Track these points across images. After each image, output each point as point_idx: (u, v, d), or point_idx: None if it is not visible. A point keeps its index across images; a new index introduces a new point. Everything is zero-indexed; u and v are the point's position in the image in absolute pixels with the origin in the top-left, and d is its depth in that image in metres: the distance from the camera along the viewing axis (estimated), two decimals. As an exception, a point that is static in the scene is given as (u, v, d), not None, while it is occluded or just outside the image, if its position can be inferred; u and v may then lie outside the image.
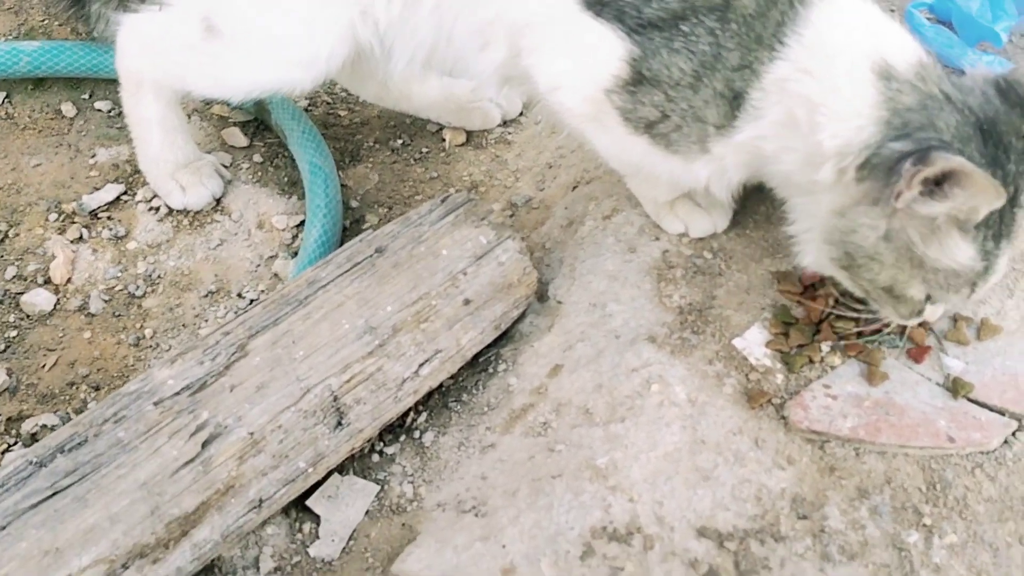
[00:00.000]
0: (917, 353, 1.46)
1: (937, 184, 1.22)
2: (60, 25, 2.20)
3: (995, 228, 1.29)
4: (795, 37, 1.32)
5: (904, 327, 1.45)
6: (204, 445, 1.29)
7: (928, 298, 1.35)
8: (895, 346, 1.47)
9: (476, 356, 1.56)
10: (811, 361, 1.47)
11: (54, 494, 1.21)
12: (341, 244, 1.75)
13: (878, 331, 1.46)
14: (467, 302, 1.52)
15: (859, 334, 1.48)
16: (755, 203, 1.59)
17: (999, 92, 1.30)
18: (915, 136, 1.26)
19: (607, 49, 1.37)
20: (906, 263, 1.31)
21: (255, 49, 1.63)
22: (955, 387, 1.42)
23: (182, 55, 1.67)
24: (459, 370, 1.54)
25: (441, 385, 1.54)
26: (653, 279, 1.58)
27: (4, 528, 1.17)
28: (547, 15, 1.40)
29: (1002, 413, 1.41)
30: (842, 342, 1.47)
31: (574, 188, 1.83)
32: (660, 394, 1.43)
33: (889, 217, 1.28)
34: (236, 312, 1.70)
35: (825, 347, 1.47)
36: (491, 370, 1.57)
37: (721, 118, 1.36)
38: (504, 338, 1.60)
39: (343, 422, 1.40)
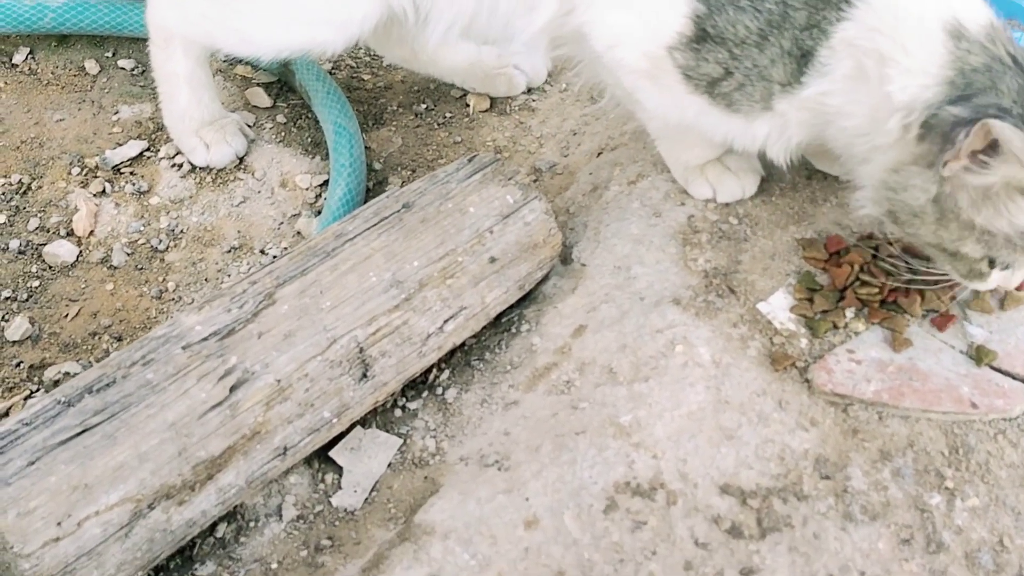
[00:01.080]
0: (941, 321, 1.46)
1: (991, 149, 1.22)
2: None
3: None
4: None
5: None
6: (232, 389, 1.29)
7: (991, 261, 1.33)
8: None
9: (499, 316, 1.57)
10: (835, 327, 1.47)
11: (83, 431, 1.21)
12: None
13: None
14: (493, 260, 1.52)
15: (882, 302, 1.48)
16: (781, 171, 1.59)
17: None
18: (975, 100, 1.26)
19: (671, 5, 1.37)
20: (953, 224, 1.30)
21: (288, 7, 1.62)
22: (978, 355, 1.42)
23: (214, 11, 1.67)
24: (482, 329, 1.55)
25: (464, 343, 1.54)
26: (678, 243, 1.58)
27: (33, 463, 1.17)
28: None
29: (1025, 382, 1.41)
30: (865, 308, 1.47)
31: (599, 155, 1.83)
32: (684, 355, 1.44)
33: (940, 181, 1.28)
34: (260, 266, 1.70)
35: (849, 313, 1.47)
36: (514, 330, 1.57)
37: (788, 76, 1.37)
38: (527, 299, 1.60)
39: (368, 374, 1.40)
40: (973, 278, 1.37)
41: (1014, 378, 1.41)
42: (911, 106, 1.31)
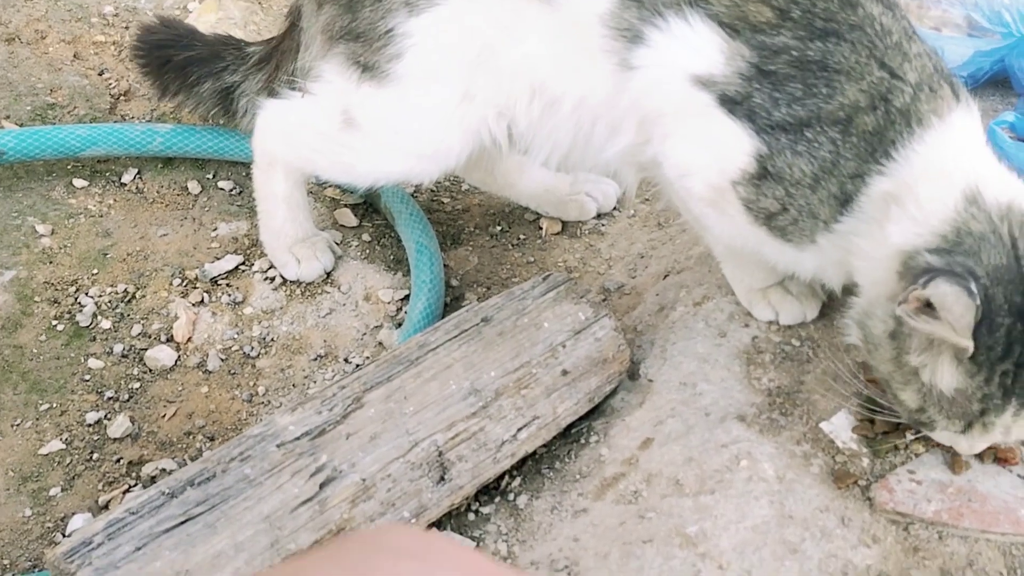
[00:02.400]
0: (1003, 459, 1.50)
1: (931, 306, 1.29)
2: (189, 112, 2.38)
3: (1006, 381, 1.31)
4: (907, 153, 1.41)
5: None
6: (322, 486, 1.38)
7: (924, 412, 1.38)
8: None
9: (569, 427, 1.64)
10: (896, 448, 1.52)
11: (186, 520, 1.30)
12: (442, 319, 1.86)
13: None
14: (564, 373, 1.61)
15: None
16: (843, 296, 1.67)
17: None
18: (951, 257, 1.32)
19: (737, 144, 1.47)
20: (904, 366, 1.37)
21: (390, 143, 1.73)
22: (1038, 478, 1.46)
23: (318, 142, 1.80)
24: (552, 439, 1.62)
25: (535, 452, 1.62)
26: (743, 362, 1.65)
27: (140, 549, 1.26)
28: (683, 108, 1.50)
29: (1084, 506, 1.44)
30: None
31: (665, 277, 1.92)
32: (749, 469, 1.50)
33: (897, 319, 1.35)
34: (343, 374, 1.81)
35: (910, 435, 1.52)
36: (583, 440, 1.64)
37: (830, 215, 1.46)
38: (596, 412, 1.67)
39: (446, 477, 1.48)
40: (920, 426, 1.42)
41: (1073, 502, 1.44)
42: (901, 247, 1.38)
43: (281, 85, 1.90)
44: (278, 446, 1.41)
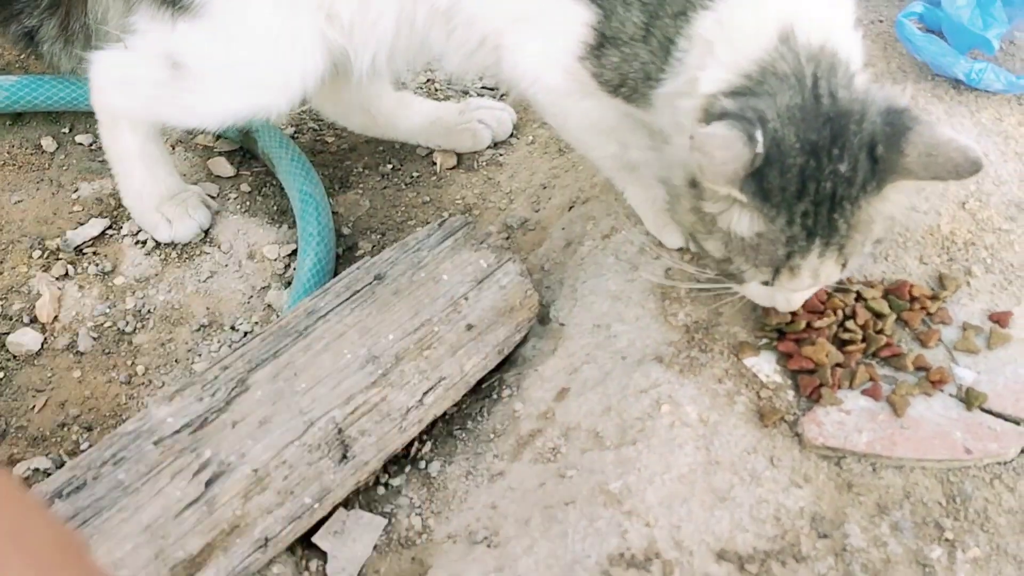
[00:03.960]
0: (935, 379, 1.43)
1: None
2: (37, 59, 2.15)
3: (807, 222, 1.27)
4: None
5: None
6: (208, 484, 1.25)
7: (730, 262, 1.34)
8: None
9: (480, 382, 1.53)
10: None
11: (54, 542, 1.16)
12: (335, 272, 1.72)
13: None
14: (469, 327, 1.49)
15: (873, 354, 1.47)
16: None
17: (886, 111, 1.27)
18: (747, 99, 1.26)
19: (573, 17, 1.41)
20: (703, 215, 1.32)
21: (225, 78, 1.60)
22: (968, 398, 1.40)
23: (152, 90, 1.65)
24: (463, 397, 1.51)
25: (445, 414, 1.50)
26: (657, 298, 1.55)
27: (2, 579, 1.12)
28: (515, 10, 1.46)
29: (1017, 423, 1.39)
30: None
31: (570, 208, 1.80)
32: (671, 415, 1.40)
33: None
34: (230, 345, 1.66)
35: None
36: (495, 396, 1.53)
37: (657, 70, 1.39)
38: (507, 363, 1.56)
39: (348, 455, 1.36)
40: (728, 278, 1.39)
41: (1006, 419, 1.39)
42: (706, 92, 1.32)
43: (81, 33, 1.73)
44: (155, 443, 1.27)
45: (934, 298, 1.52)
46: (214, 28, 1.53)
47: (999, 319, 1.49)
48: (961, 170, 1.25)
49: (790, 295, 1.38)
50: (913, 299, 1.51)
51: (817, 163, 1.24)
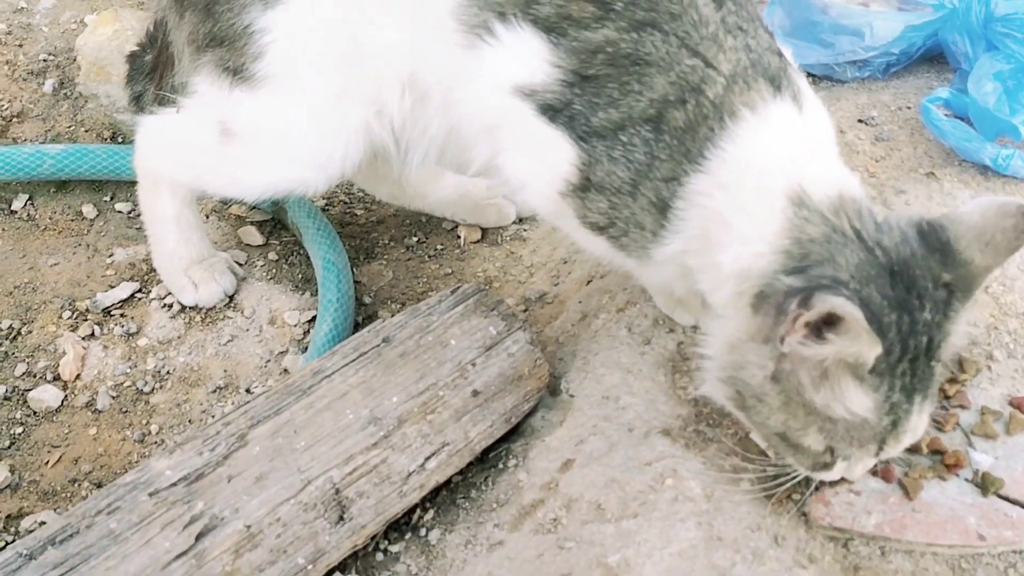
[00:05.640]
0: (951, 463, 1.38)
1: (827, 324, 1.15)
2: (86, 131, 2.24)
3: (905, 380, 1.20)
4: (718, 152, 1.29)
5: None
6: (198, 538, 1.25)
7: (832, 451, 1.25)
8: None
9: (486, 451, 1.52)
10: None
11: (39, 587, 1.16)
12: (351, 340, 1.73)
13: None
14: (476, 393, 1.48)
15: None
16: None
17: (920, 235, 1.23)
18: (810, 271, 1.20)
19: (558, 153, 1.37)
20: (798, 408, 1.23)
21: (270, 151, 1.62)
22: (984, 483, 1.35)
23: (198, 156, 1.68)
24: (468, 465, 1.49)
25: (450, 481, 1.49)
26: (668, 371, 1.53)
27: (-14, 622, 1.13)
28: (509, 119, 1.40)
29: (1035, 509, 1.33)
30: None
31: (588, 283, 1.80)
32: (674, 488, 1.37)
33: (778, 358, 1.21)
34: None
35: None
36: (501, 465, 1.52)
37: (654, 225, 1.35)
38: (515, 433, 1.55)
39: (345, 517, 1.35)
40: (819, 470, 1.29)
41: (1022, 506, 1.33)
42: (743, 276, 1.26)
43: (159, 99, 1.76)
44: (150, 494, 1.27)
45: (953, 381, 1.48)
46: (269, 101, 1.55)
47: (1019, 404, 1.45)
48: (1020, 225, 1.20)
49: (867, 464, 1.30)
50: (931, 382, 1.47)
51: (910, 318, 1.18)
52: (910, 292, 1.19)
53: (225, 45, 1.52)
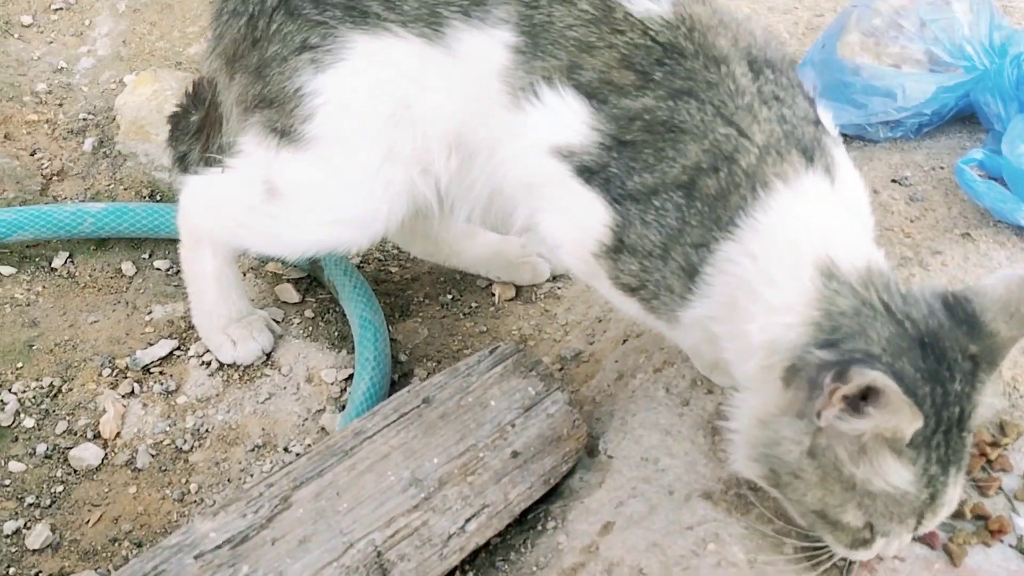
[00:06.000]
0: (995, 529, 1.37)
1: (863, 398, 1.15)
2: (125, 189, 2.28)
3: (940, 452, 1.19)
4: (749, 220, 1.30)
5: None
6: (243, 601, 1.25)
7: (871, 527, 1.24)
8: None
9: (525, 512, 1.52)
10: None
11: (87, 651, 1.17)
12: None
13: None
14: (515, 455, 1.49)
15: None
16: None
17: (946, 307, 1.23)
18: (843, 345, 1.20)
19: (593, 214, 1.39)
20: (836, 484, 1.22)
21: (314, 210, 1.64)
22: (1031, 548, 1.34)
23: (243, 215, 1.70)
24: (507, 527, 1.49)
25: (488, 543, 1.49)
26: (707, 433, 1.53)
27: None
28: (547, 179, 1.42)
29: (1083, 576, 1.32)
30: None
31: (624, 342, 1.81)
32: (717, 554, 1.37)
33: (814, 433, 1.21)
34: (281, 466, 1.68)
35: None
36: (540, 527, 1.51)
37: (682, 290, 1.35)
38: (554, 494, 1.55)
39: (386, 580, 1.35)
40: (857, 547, 1.27)
41: (1071, 573, 1.32)
42: (771, 348, 1.25)
43: (207, 158, 1.79)
44: (195, 557, 1.27)
45: (994, 445, 1.47)
46: (316, 162, 1.57)
47: (1064, 467, 1.44)
48: None
49: (905, 540, 1.28)
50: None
51: (943, 389, 1.18)
52: (941, 364, 1.19)
53: (275, 106, 1.55)
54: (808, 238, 1.29)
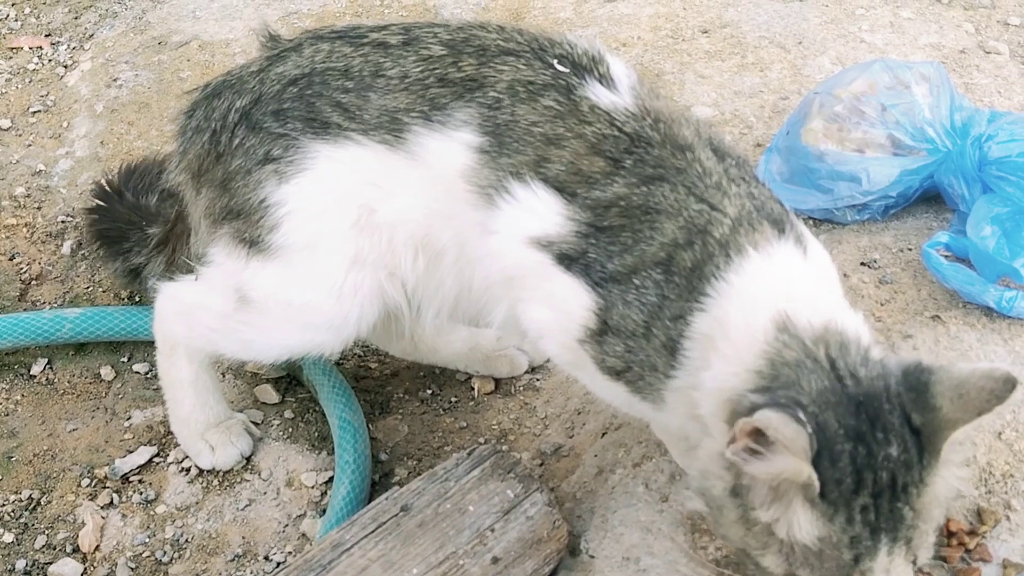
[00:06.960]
0: None
1: (764, 438, 1.16)
2: (103, 292, 2.29)
3: (869, 517, 1.18)
4: (720, 284, 1.33)
5: None
6: None
7: None
8: None
9: (507, 617, 1.51)
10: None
11: None
12: (370, 500, 1.73)
13: None
14: (495, 560, 1.48)
15: None
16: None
17: (904, 375, 1.24)
18: (775, 392, 1.23)
19: (576, 300, 1.42)
20: (755, 525, 1.23)
21: (286, 317, 1.66)
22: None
23: (215, 322, 1.72)
24: (490, 633, 1.49)
25: (472, 651, 1.48)
26: (687, 530, 1.53)
27: None
28: (526, 270, 1.46)
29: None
30: None
31: (603, 435, 1.81)
32: (700, 656, 1.36)
33: (736, 472, 1.23)
34: (262, 576, 1.67)
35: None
36: (523, 632, 1.50)
37: (665, 367, 1.38)
38: (536, 596, 1.54)
39: None
40: None
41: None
42: (719, 392, 1.29)
43: (178, 268, 1.81)
44: None
45: (972, 533, 1.47)
46: (285, 271, 1.60)
47: (1043, 555, 1.44)
48: (999, 393, 1.19)
49: None
50: (951, 534, 1.47)
51: (868, 450, 1.19)
52: (874, 425, 1.20)
53: (242, 218, 1.58)
54: (771, 296, 1.32)
